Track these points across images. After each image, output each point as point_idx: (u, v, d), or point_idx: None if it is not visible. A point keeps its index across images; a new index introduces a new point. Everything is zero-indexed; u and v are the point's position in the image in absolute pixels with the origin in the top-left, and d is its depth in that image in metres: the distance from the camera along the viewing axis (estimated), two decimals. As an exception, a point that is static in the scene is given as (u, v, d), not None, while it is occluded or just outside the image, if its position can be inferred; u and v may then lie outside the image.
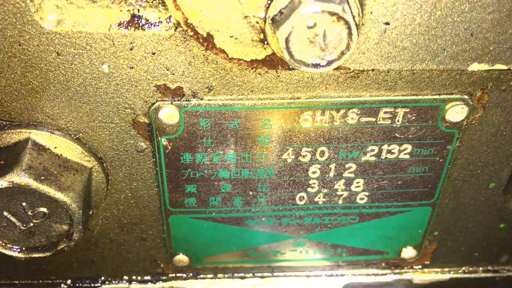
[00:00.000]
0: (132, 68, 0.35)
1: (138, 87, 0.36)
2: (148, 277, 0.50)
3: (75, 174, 0.38)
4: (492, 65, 0.35)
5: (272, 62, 0.34)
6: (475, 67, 0.35)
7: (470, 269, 0.53)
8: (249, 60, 0.34)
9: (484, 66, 0.35)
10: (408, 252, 0.50)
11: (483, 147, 0.42)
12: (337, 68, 0.35)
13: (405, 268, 0.52)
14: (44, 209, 0.37)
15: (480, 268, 0.53)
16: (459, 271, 0.53)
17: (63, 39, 0.34)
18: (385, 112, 0.39)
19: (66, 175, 0.37)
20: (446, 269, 0.53)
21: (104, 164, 0.41)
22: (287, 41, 0.31)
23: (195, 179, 0.42)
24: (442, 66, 0.35)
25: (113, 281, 0.50)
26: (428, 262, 0.52)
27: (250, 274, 0.51)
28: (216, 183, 0.42)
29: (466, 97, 0.38)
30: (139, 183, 0.42)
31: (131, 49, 0.34)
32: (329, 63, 0.32)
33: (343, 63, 0.34)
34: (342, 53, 0.31)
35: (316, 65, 0.32)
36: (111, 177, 0.42)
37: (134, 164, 0.41)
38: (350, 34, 0.31)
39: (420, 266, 0.52)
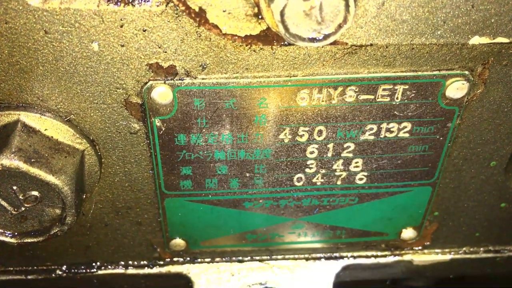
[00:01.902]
0: (123, 46, 0.34)
1: (130, 66, 0.35)
2: (145, 262, 0.49)
3: (66, 157, 0.37)
4: (493, 38, 0.34)
5: (267, 37, 0.33)
6: (476, 40, 0.34)
7: (471, 249, 0.52)
8: (244, 36, 0.33)
9: (485, 40, 0.34)
10: (408, 233, 0.49)
11: (484, 124, 0.41)
12: (334, 43, 0.34)
13: (405, 249, 0.51)
14: (35, 193, 0.36)
15: (481, 249, 0.53)
16: (460, 252, 0.52)
17: (51, 17, 0.33)
18: (384, 89, 0.38)
19: (57, 158, 0.36)
20: (447, 250, 0.52)
21: (97, 147, 0.40)
22: (282, 14, 0.29)
23: (190, 161, 0.41)
24: (442, 39, 0.34)
25: (109, 267, 0.49)
26: (428, 243, 0.51)
27: (248, 258, 0.50)
28: (212, 164, 0.41)
29: (466, 72, 0.38)
30: (133, 165, 0.41)
31: (121, 26, 0.33)
32: (326, 37, 0.31)
33: (340, 37, 0.33)
34: (339, 27, 0.30)
35: (312, 39, 0.31)
36: (104, 159, 0.41)
37: (128, 146, 0.40)
38: (347, 6, 0.30)
39: (420, 247, 0.51)
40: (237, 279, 0.49)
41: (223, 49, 0.35)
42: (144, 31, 0.34)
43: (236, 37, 0.33)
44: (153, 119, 0.38)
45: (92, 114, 0.38)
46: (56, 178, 0.35)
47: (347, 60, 0.36)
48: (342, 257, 0.51)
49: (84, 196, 0.40)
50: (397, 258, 0.51)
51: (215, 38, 0.34)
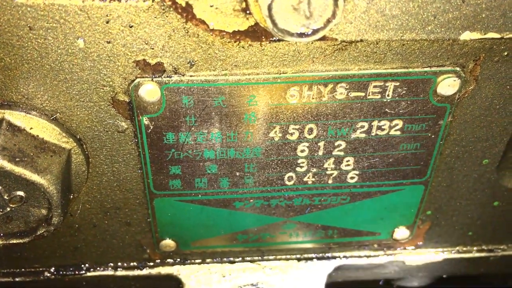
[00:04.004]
0: (109, 42, 0.34)
1: (117, 63, 0.35)
2: (134, 263, 0.49)
3: (52, 156, 0.36)
4: (484, 34, 0.34)
5: (256, 33, 0.33)
6: (467, 36, 0.34)
7: (464, 249, 0.52)
8: (231, 31, 0.33)
9: (476, 35, 0.34)
10: (401, 233, 0.48)
11: (476, 122, 0.41)
12: (323, 39, 0.33)
13: (398, 249, 0.51)
14: (21, 193, 0.36)
15: (474, 248, 0.52)
16: (453, 251, 0.52)
17: (35, 13, 0.32)
18: (375, 86, 0.38)
19: (43, 157, 0.36)
20: (440, 250, 0.52)
21: (84, 146, 0.39)
22: (269, 8, 0.29)
23: (179, 160, 0.40)
24: (433, 35, 0.34)
25: (98, 268, 0.48)
26: (421, 243, 0.50)
27: (239, 258, 0.50)
28: (201, 163, 0.41)
29: (458, 69, 0.37)
30: (121, 165, 0.41)
31: (107, 22, 0.33)
32: (315, 32, 0.30)
33: (330, 33, 0.33)
34: (328, 21, 0.30)
35: (301, 35, 0.30)
36: (92, 159, 0.40)
37: (115, 145, 0.39)
38: (336, 0, 0.29)
39: (413, 247, 0.51)
40: (228, 280, 0.49)
41: (211, 46, 0.34)
42: (131, 27, 0.33)
43: (224, 33, 0.33)
44: (141, 118, 0.37)
45: (78, 113, 0.37)
46: (41, 178, 0.35)
47: (337, 56, 0.36)
48: (334, 257, 0.51)
49: (71, 196, 0.40)
50: (389, 258, 0.51)
51: (203, 34, 0.34)
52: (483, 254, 0.52)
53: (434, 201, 0.47)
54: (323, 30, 0.30)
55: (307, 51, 0.35)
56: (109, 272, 0.49)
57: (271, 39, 0.34)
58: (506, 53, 0.37)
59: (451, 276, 0.55)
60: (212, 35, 0.34)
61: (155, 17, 0.33)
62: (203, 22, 0.32)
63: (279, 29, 0.30)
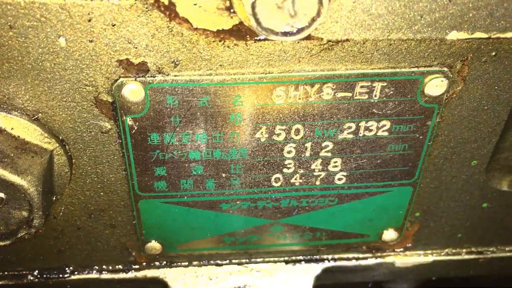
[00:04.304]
0: (91, 41, 0.33)
1: (99, 62, 0.34)
2: (120, 266, 0.48)
3: (33, 157, 0.35)
4: (471, 33, 0.33)
5: (240, 32, 0.32)
6: (454, 35, 0.33)
7: (454, 251, 0.52)
8: (215, 30, 0.32)
9: (463, 35, 0.33)
10: (389, 235, 0.48)
11: (464, 122, 0.41)
12: (309, 38, 0.33)
13: (387, 251, 0.50)
14: (1, 195, 0.35)
15: (464, 250, 0.52)
16: (442, 253, 0.51)
17: (15, 11, 0.31)
18: (362, 87, 0.37)
19: (24, 158, 0.35)
20: (429, 252, 0.51)
21: (67, 147, 0.38)
22: (253, 6, 0.29)
23: (164, 161, 0.40)
24: (420, 35, 0.33)
25: (83, 271, 0.48)
26: (410, 245, 0.50)
27: (227, 261, 0.49)
28: (186, 165, 0.40)
29: (445, 69, 0.37)
30: (105, 166, 0.40)
31: (89, 21, 0.32)
32: (300, 31, 0.30)
33: (315, 32, 0.32)
34: (313, 20, 0.29)
35: (285, 33, 0.30)
36: (75, 160, 0.39)
37: (99, 146, 0.39)
38: (320, -2, 0.29)
39: (402, 249, 0.50)
40: (215, 283, 0.48)
41: (196, 45, 0.34)
42: (113, 25, 0.32)
43: (208, 32, 0.32)
44: (124, 118, 0.37)
45: (61, 113, 0.37)
46: (21, 179, 0.34)
47: (324, 56, 0.35)
48: (322, 260, 0.50)
49: (54, 198, 0.39)
50: (378, 260, 0.51)
51: (187, 33, 0.33)
52: (472, 256, 0.52)
53: (423, 203, 0.46)
54: (308, 29, 0.30)
55: (293, 51, 0.35)
56: (94, 275, 0.48)
57: (256, 38, 0.33)
58: (494, 53, 0.37)
59: (441, 278, 0.54)
60: (196, 34, 0.33)
61: (138, 16, 0.32)
62: (186, 20, 0.31)
63: (263, 28, 0.29)
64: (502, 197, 0.47)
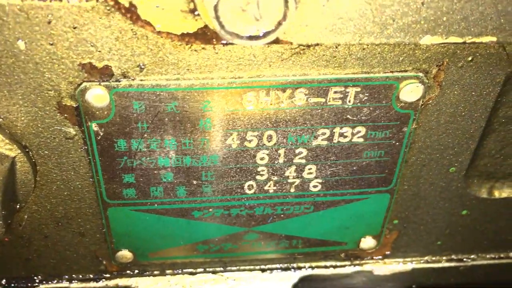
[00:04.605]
0: (52, 44, 0.32)
1: (61, 66, 0.33)
2: (91, 275, 0.46)
3: (-7, 164, 0.34)
4: (446, 38, 0.32)
5: (206, 35, 0.31)
6: (427, 40, 0.32)
7: (433, 258, 0.51)
8: (180, 33, 0.31)
9: (437, 39, 0.32)
10: (367, 242, 0.47)
11: (441, 129, 0.40)
12: (277, 42, 0.32)
13: (365, 259, 0.49)
14: (-41, 203, 0.34)
15: (444, 258, 0.51)
16: (422, 261, 0.50)
17: (-29, 12, 0.30)
18: (335, 92, 0.36)
19: (-17, 165, 0.34)
20: (408, 259, 0.50)
21: (30, 153, 0.37)
22: (216, 9, 0.27)
23: (132, 168, 0.38)
24: (392, 39, 0.32)
25: (52, 281, 0.46)
26: (388, 252, 0.49)
27: (201, 270, 0.48)
28: (156, 172, 0.39)
29: (421, 74, 0.36)
30: (71, 173, 0.39)
31: (48, 23, 0.31)
32: (266, 34, 0.29)
33: (284, 36, 0.31)
34: (279, 24, 0.28)
35: (250, 38, 0.29)
36: (39, 167, 0.38)
37: (64, 153, 0.37)
38: (286, 2, 0.28)
39: (380, 257, 0.49)
40: (189, 292, 0.47)
41: (162, 49, 0.33)
42: (74, 28, 0.31)
43: (172, 35, 0.31)
44: (89, 124, 0.35)
45: (23, 118, 0.35)
46: (-21, 187, 0.32)
47: (295, 60, 0.34)
48: (299, 268, 0.49)
49: (18, 206, 0.38)
50: (356, 268, 0.49)
51: (152, 36, 0.32)
52: (452, 264, 0.51)
53: (401, 210, 0.45)
54: (274, 33, 0.29)
55: (263, 55, 0.34)
56: (64, 284, 0.47)
57: (223, 42, 0.32)
58: (470, 58, 0.36)
59: (421, 286, 0.53)
60: (161, 37, 0.32)
61: (100, 18, 0.31)
62: (148, 23, 0.30)
63: (227, 31, 0.28)
64: (482, 204, 0.46)
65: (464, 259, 0.51)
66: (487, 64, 0.36)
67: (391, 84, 0.36)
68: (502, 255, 0.51)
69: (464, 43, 0.33)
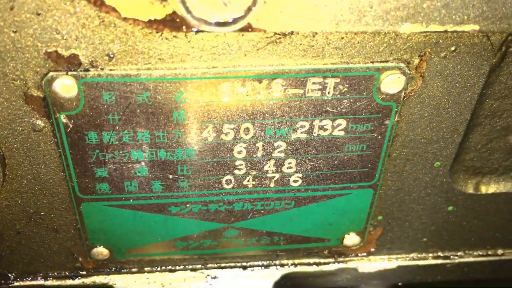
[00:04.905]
0: (15, 32, 0.30)
1: (26, 54, 0.31)
2: (66, 273, 0.45)
3: (-44, 157, 0.33)
4: (426, 26, 0.31)
5: (175, 22, 0.30)
6: (407, 28, 0.31)
7: (419, 255, 0.49)
8: (147, 20, 0.30)
9: (417, 27, 0.31)
10: (351, 239, 0.46)
11: (425, 122, 0.39)
12: (252, 31, 0.30)
13: (349, 256, 0.48)
14: None
15: (430, 255, 0.50)
16: (407, 258, 0.49)
17: None
18: (314, 83, 0.35)
19: None
20: (394, 256, 0.49)
21: (-3, 146, 0.36)
22: (181, -7, 0.26)
23: (105, 161, 0.37)
24: (370, 27, 0.31)
25: (27, 278, 0.45)
26: (373, 249, 0.48)
27: (181, 267, 0.47)
28: (129, 165, 0.38)
29: (402, 65, 0.35)
30: (42, 167, 0.37)
31: (11, 9, 0.30)
32: (235, 21, 0.27)
33: (257, 24, 0.30)
34: (249, 9, 0.27)
35: (219, 24, 0.27)
36: (8, 160, 0.37)
37: (33, 146, 0.36)
38: (256, -15, 0.26)
39: (365, 254, 0.48)
40: (167, 290, 0.46)
41: (131, 37, 0.31)
42: (38, 14, 0.30)
43: (139, 22, 0.30)
44: (58, 115, 0.34)
45: (-11, 109, 0.34)
46: None
47: (271, 50, 0.33)
48: (282, 265, 0.48)
49: (-14, 201, 0.36)
50: (341, 265, 0.48)
51: (120, 23, 0.31)
52: (439, 261, 0.50)
53: (385, 206, 0.44)
54: (244, 19, 0.27)
55: (238, 44, 0.33)
56: (39, 281, 0.45)
57: (194, 29, 0.31)
58: (453, 48, 0.34)
59: (408, 284, 0.52)
60: (130, 25, 0.31)
61: (64, 4, 0.29)
62: (114, 9, 0.29)
63: (194, 17, 0.27)
64: (468, 200, 0.45)
65: (451, 256, 0.50)
66: (471, 55, 0.35)
67: (372, 75, 0.35)
68: (490, 252, 0.50)
69: (446, 31, 0.32)
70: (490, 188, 0.44)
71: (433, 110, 0.38)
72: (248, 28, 0.30)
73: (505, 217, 0.47)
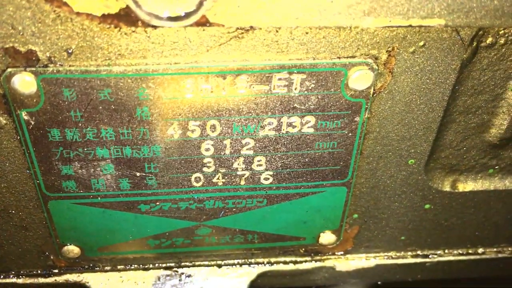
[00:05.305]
0: (-31, 27, 0.30)
1: (-18, 50, 0.31)
2: (39, 271, 0.45)
3: None
4: (390, 21, 0.30)
5: (130, 17, 0.29)
6: (370, 23, 0.30)
7: (398, 254, 0.49)
8: (100, 15, 0.29)
9: (381, 22, 0.30)
10: (327, 237, 0.45)
11: (396, 118, 0.38)
12: (209, 25, 0.30)
13: (326, 254, 0.48)
14: None
15: (409, 253, 0.49)
16: (386, 257, 0.49)
17: None
18: (279, 79, 0.34)
19: None
20: (371, 255, 0.48)
21: (-41, 143, 0.35)
22: (129, -13, 0.25)
23: (69, 159, 0.37)
24: (332, 22, 0.30)
25: (-2, 276, 0.45)
26: (350, 248, 0.47)
27: (154, 265, 0.46)
28: (95, 163, 0.37)
29: (370, 61, 0.34)
30: (6, 164, 0.37)
31: (-37, 4, 0.29)
32: (188, 15, 0.27)
33: (215, 18, 0.29)
34: (201, 4, 0.26)
35: (171, 19, 0.27)
36: (-29, 158, 0.36)
37: (-4, 143, 0.36)
38: (206, -21, 0.26)
39: (342, 252, 0.47)
40: (141, 289, 0.45)
41: (89, 32, 0.31)
42: (-8, 9, 0.29)
43: (93, 17, 0.29)
44: (19, 112, 0.34)
45: None
46: None
47: (234, 45, 0.32)
48: (257, 263, 0.47)
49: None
50: (318, 264, 0.48)
51: (77, 18, 0.30)
52: (418, 260, 0.49)
53: (360, 204, 0.43)
54: (197, 13, 0.27)
55: (199, 39, 0.32)
56: (12, 279, 0.45)
57: (152, 24, 0.30)
58: (422, 43, 0.34)
59: (388, 282, 0.51)
60: (87, 20, 0.30)
61: (18, -2, 0.29)
62: (65, 4, 0.28)
63: (144, 12, 0.26)
64: (445, 198, 0.44)
65: (430, 255, 0.49)
66: (440, 50, 0.34)
67: (339, 71, 0.34)
68: (470, 251, 0.49)
69: (411, 26, 0.31)
70: (467, 186, 0.44)
71: (405, 106, 0.37)
72: (205, 23, 0.29)
73: (485, 215, 0.46)
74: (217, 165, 0.39)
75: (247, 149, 0.38)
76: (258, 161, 0.39)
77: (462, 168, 0.43)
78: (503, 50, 0.36)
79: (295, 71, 0.34)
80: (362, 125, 0.37)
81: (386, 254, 0.48)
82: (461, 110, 0.39)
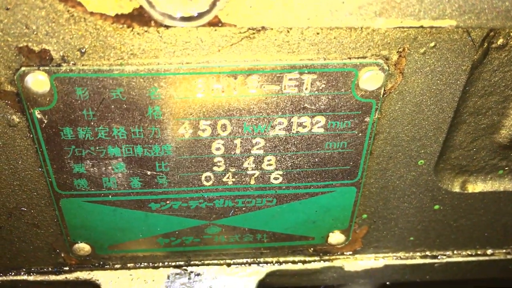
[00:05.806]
0: (-15, 27, 0.30)
1: (-3, 49, 0.31)
2: (49, 268, 0.45)
3: None
4: (401, 21, 0.30)
5: (143, 17, 0.29)
6: (382, 23, 0.30)
7: (406, 255, 0.49)
8: (114, 15, 0.29)
9: (392, 23, 0.30)
10: (336, 237, 0.45)
11: (406, 119, 0.38)
12: (222, 26, 0.30)
13: (335, 254, 0.48)
14: None
15: (418, 254, 0.49)
16: (394, 257, 0.49)
17: None
18: (290, 79, 0.34)
19: None
20: (380, 255, 0.48)
21: (-27, 141, 0.36)
22: (143, -13, 0.26)
23: (81, 157, 0.37)
24: (343, 22, 0.30)
25: (10, 273, 0.45)
26: (359, 248, 0.47)
27: (164, 263, 0.46)
28: (106, 161, 0.37)
29: (380, 61, 0.34)
30: (19, 162, 0.37)
31: (-21, 4, 0.29)
32: (201, 15, 0.27)
33: (227, 19, 0.29)
34: (214, 4, 0.27)
35: (184, 19, 0.27)
36: (-15, 155, 0.37)
37: (9, 141, 0.36)
38: (220, -21, 0.26)
39: (351, 252, 0.47)
40: (150, 287, 0.45)
41: (102, 31, 0.31)
42: (7, 9, 0.30)
43: (106, 17, 0.29)
44: (32, 110, 0.34)
45: (-38, 105, 0.34)
46: None
47: (246, 46, 0.33)
48: (266, 263, 0.47)
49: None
50: (326, 263, 0.48)
51: (90, 18, 0.30)
52: (427, 261, 0.49)
53: (369, 204, 0.44)
54: (210, 14, 0.27)
55: (211, 39, 0.32)
56: (22, 276, 0.45)
57: (165, 24, 0.30)
58: (433, 44, 0.34)
59: (396, 283, 0.51)
60: (100, 19, 0.30)
61: (32, -2, 0.29)
62: (79, 4, 0.29)
63: (158, 12, 0.26)
64: (455, 199, 0.44)
65: (439, 256, 0.49)
66: (451, 51, 0.34)
67: (350, 72, 0.34)
68: (479, 252, 0.49)
69: (422, 27, 0.31)
70: (477, 187, 0.44)
71: (415, 107, 0.37)
72: (217, 23, 0.29)
73: (494, 216, 0.46)
74: (227, 165, 0.39)
75: (257, 149, 0.38)
76: (268, 160, 0.39)
77: (472, 169, 0.43)
78: (514, 51, 0.36)
79: (306, 71, 0.34)
80: (372, 125, 0.37)
81: (394, 254, 0.48)
82: (471, 111, 0.39)
